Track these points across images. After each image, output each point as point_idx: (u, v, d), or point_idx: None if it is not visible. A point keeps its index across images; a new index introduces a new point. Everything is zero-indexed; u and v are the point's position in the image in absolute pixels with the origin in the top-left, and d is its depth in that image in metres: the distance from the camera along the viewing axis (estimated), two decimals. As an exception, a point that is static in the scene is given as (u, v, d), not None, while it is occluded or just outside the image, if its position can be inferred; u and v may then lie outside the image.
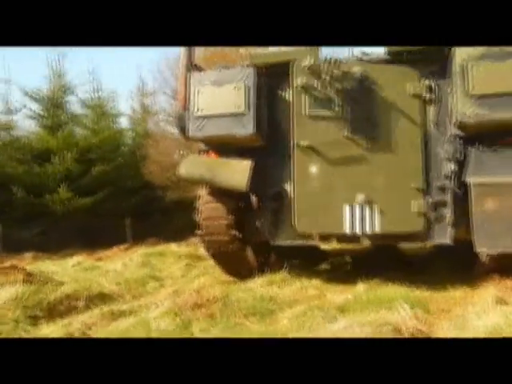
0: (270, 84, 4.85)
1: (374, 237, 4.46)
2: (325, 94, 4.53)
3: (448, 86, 4.38)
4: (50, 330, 3.38)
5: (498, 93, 3.98)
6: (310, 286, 4.58)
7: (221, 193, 4.77)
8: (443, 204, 4.38)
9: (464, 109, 4.07)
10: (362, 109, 4.49)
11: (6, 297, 3.80)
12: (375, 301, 3.74)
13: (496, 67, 3.99)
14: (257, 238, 4.98)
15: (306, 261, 5.79)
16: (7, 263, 5.08)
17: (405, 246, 4.54)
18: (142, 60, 28.01)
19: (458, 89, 4.12)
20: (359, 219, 4.41)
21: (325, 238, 4.61)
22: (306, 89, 4.56)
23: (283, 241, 4.83)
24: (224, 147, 4.83)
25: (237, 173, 4.64)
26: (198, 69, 5.05)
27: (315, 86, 4.54)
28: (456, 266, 5.07)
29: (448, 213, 4.34)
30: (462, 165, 4.27)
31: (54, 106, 12.31)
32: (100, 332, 3.36)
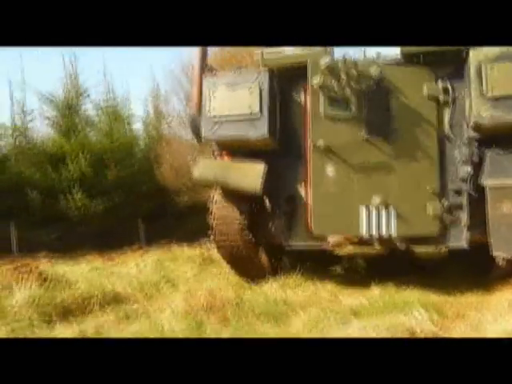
0: (283, 86, 4.85)
1: (389, 241, 4.41)
2: (342, 94, 4.48)
3: (463, 88, 4.34)
4: (64, 329, 3.40)
5: None
6: (324, 290, 4.55)
7: (234, 195, 4.77)
8: (459, 207, 4.33)
9: (480, 111, 4.02)
10: (378, 110, 4.46)
11: (21, 297, 3.85)
12: (390, 304, 3.71)
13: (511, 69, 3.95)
14: (270, 240, 4.97)
15: (320, 264, 5.75)
16: (22, 264, 5.11)
17: (420, 249, 4.46)
18: (156, 63, 28.18)
19: (473, 91, 4.08)
20: (375, 221, 4.38)
21: (339, 244, 4.58)
22: (322, 88, 4.50)
23: (296, 243, 4.82)
24: (237, 149, 4.83)
25: (250, 175, 4.64)
26: (212, 71, 5.06)
27: (332, 85, 4.49)
28: (471, 269, 5.00)
29: (464, 216, 4.30)
30: (478, 167, 4.22)
31: (68, 109, 12.41)
32: (113, 332, 3.37)
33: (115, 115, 13.49)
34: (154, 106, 15.07)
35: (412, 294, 4.02)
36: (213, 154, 5.14)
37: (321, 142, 4.48)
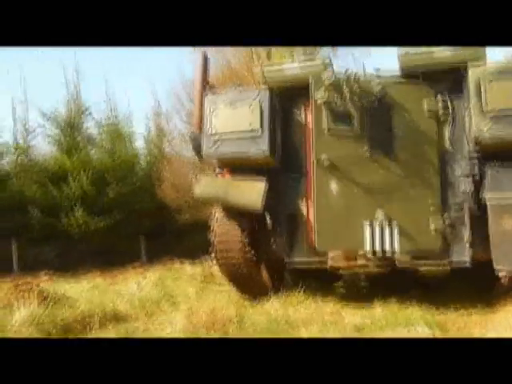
0: (283, 105, 4.88)
1: (391, 257, 4.38)
2: (345, 110, 4.48)
3: (463, 104, 4.37)
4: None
5: None
6: (326, 307, 4.51)
7: (235, 213, 4.76)
8: (461, 222, 4.32)
9: (480, 126, 4.04)
10: (380, 126, 4.47)
11: (22, 315, 3.82)
12: (393, 321, 3.68)
13: (511, 84, 3.98)
14: (271, 257, 4.95)
15: (322, 281, 5.72)
16: (23, 282, 5.09)
17: (422, 265, 4.43)
18: (158, 81, 28.41)
19: (473, 107, 4.10)
20: (379, 237, 4.35)
21: (337, 261, 4.55)
22: (326, 104, 4.49)
23: (298, 260, 4.80)
24: (238, 167, 4.84)
25: (251, 193, 4.64)
26: (213, 90, 5.10)
27: (336, 101, 4.48)
28: (474, 286, 4.97)
29: (466, 231, 4.28)
30: (479, 183, 4.23)
31: (70, 127, 12.49)
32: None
33: (117, 133, 13.56)
34: (156, 123, 15.16)
35: (415, 311, 3.99)
36: (214, 172, 5.15)
37: (324, 158, 4.47)
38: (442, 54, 4.37)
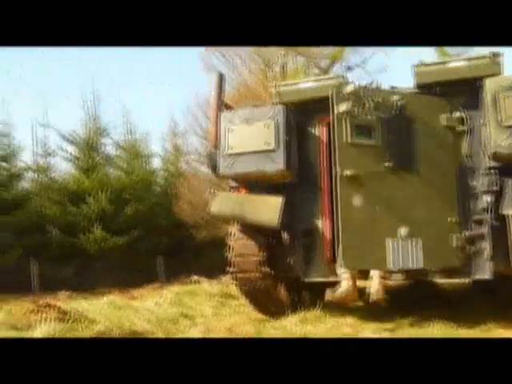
0: (298, 120, 4.90)
1: (412, 272, 4.32)
2: (366, 122, 4.34)
3: (480, 118, 4.33)
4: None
5: None
6: (345, 324, 4.46)
7: (252, 229, 4.76)
8: (481, 237, 4.25)
9: (498, 140, 4.01)
10: (400, 138, 4.38)
11: (41, 334, 3.84)
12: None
13: None
14: (289, 274, 4.92)
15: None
16: (42, 301, 5.13)
17: (443, 281, 4.37)
18: (174, 100, 28.80)
19: (490, 120, 4.07)
20: (402, 254, 4.23)
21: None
22: (348, 116, 4.32)
23: (316, 277, 4.77)
24: (254, 184, 4.85)
25: (268, 209, 4.64)
26: (229, 108, 5.16)
27: (358, 112, 4.32)
28: (497, 302, 4.86)
29: (486, 246, 4.21)
30: (498, 197, 4.17)
31: (89, 148, 12.69)
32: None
33: (135, 153, 13.73)
34: (172, 143, 15.32)
35: (436, 328, 3.91)
36: (230, 189, 5.17)
37: (349, 171, 4.26)
38: (457, 65, 4.37)
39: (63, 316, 4.48)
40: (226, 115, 4.91)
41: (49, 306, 4.84)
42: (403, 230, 4.25)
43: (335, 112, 4.33)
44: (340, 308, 4.84)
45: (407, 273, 4.37)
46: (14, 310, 5.22)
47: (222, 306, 6.23)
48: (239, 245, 4.79)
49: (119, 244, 11.53)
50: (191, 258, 12.10)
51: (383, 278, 4.34)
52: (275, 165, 4.59)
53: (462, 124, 4.43)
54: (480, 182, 4.32)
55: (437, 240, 4.28)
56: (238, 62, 13.59)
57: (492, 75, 4.23)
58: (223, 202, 4.89)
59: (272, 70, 13.38)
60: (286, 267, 4.84)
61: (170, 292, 7.07)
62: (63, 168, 13.13)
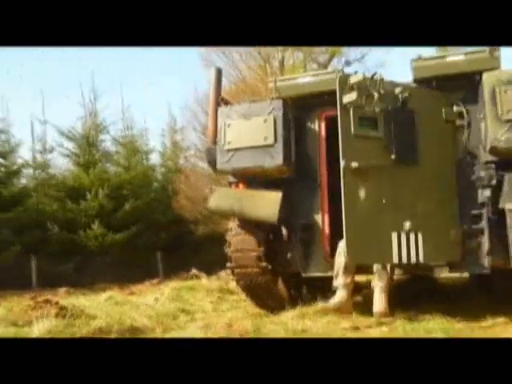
0: (297, 115, 4.89)
1: (412, 266, 4.32)
2: (371, 114, 4.22)
3: (478, 112, 4.33)
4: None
5: None
6: (344, 319, 4.46)
7: (250, 225, 4.76)
8: (480, 232, 4.26)
9: (496, 134, 4.00)
10: (404, 132, 4.31)
11: (40, 330, 3.84)
12: (411, 332, 3.62)
13: None
14: (288, 269, 4.93)
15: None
16: (41, 298, 5.13)
17: (442, 276, 4.37)
18: (173, 97, 28.80)
19: (488, 114, 4.07)
20: (405, 248, 4.18)
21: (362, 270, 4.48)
22: (353, 107, 4.18)
23: (315, 272, 4.78)
24: (253, 179, 4.85)
25: (266, 204, 4.64)
26: (227, 103, 5.15)
27: (363, 103, 4.18)
28: (495, 296, 4.88)
29: (485, 241, 4.22)
30: (497, 191, 4.17)
31: (88, 144, 12.69)
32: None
33: (133, 149, 13.73)
34: (171, 138, 15.31)
35: (434, 322, 3.92)
36: (229, 184, 5.17)
37: (354, 163, 4.11)
38: (455, 60, 4.36)
39: (62, 312, 4.49)
40: (223, 110, 4.90)
41: (48, 302, 4.84)
42: (407, 224, 4.19)
43: (340, 102, 4.17)
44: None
45: (406, 267, 4.37)
46: (13, 306, 5.24)
47: (221, 302, 6.25)
48: (237, 240, 4.79)
49: (118, 240, 11.56)
50: (190, 254, 12.13)
51: (386, 287, 4.28)
52: (274, 160, 4.58)
53: (461, 118, 4.43)
54: (479, 177, 4.32)
55: (438, 234, 4.27)
56: (237, 58, 13.58)
57: (490, 69, 4.22)
58: (221, 198, 4.89)
59: (271, 66, 13.36)
60: (285, 262, 4.85)
61: (169, 288, 7.08)
62: (62, 164, 13.15)
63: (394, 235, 4.16)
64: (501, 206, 4.05)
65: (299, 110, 4.89)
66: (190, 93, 18.99)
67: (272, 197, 4.66)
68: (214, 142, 4.94)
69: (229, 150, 4.74)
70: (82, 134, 12.75)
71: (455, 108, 4.44)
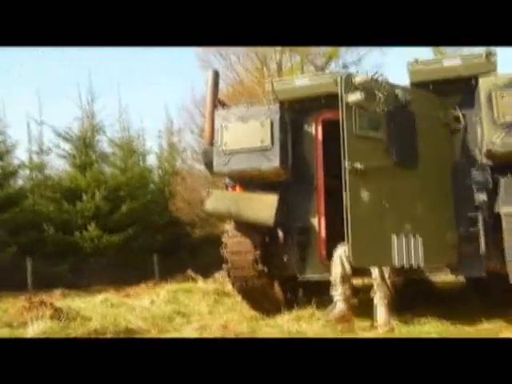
0: (294, 119, 4.89)
1: (408, 269, 4.31)
2: (374, 115, 4.15)
3: (474, 116, 4.34)
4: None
5: None
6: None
7: (247, 227, 4.76)
8: (475, 235, 4.26)
9: (492, 138, 4.02)
10: (404, 133, 4.28)
11: (35, 332, 3.83)
12: (406, 334, 3.62)
13: None
14: (284, 272, 4.93)
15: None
16: (36, 299, 5.12)
17: (438, 279, 4.38)
18: (170, 99, 28.81)
19: (484, 118, 4.08)
20: (406, 251, 4.13)
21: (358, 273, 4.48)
22: (357, 107, 4.10)
23: (311, 275, 4.77)
24: (249, 182, 4.85)
25: (263, 207, 4.64)
26: (224, 105, 5.15)
27: (367, 104, 4.10)
28: (491, 300, 4.89)
29: (480, 244, 4.22)
30: (492, 195, 4.18)
31: (84, 145, 12.67)
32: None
33: (130, 151, 13.71)
34: (168, 140, 15.30)
35: (430, 325, 3.93)
36: (226, 187, 5.16)
37: (358, 165, 4.04)
38: (452, 64, 4.37)
39: (57, 314, 4.48)
40: (221, 113, 4.91)
41: (43, 303, 4.83)
42: (407, 226, 4.16)
43: (344, 101, 4.08)
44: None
45: (400, 270, 4.36)
46: (8, 307, 5.22)
47: (217, 304, 6.24)
48: (234, 242, 4.79)
49: (114, 242, 11.53)
50: (186, 256, 12.11)
51: (386, 297, 4.23)
52: (270, 163, 4.59)
53: (458, 122, 4.44)
54: (475, 180, 4.33)
55: (435, 237, 4.26)
56: (235, 60, 13.59)
57: (486, 74, 4.24)
58: (218, 200, 4.88)
59: (268, 68, 13.37)
60: (281, 265, 4.85)
61: (165, 290, 7.07)
62: (58, 165, 13.12)
63: (394, 238, 4.12)
64: (496, 209, 4.06)
65: (296, 113, 4.90)
66: (187, 94, 19.01)
67: (268, 199, 4.66)
68: (211, 144, 4.94)
69: (226, 153, 4.74)
70: (79, 135, 12.72)
71: (452, 112, 4.45)
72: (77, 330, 4.12)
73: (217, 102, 5.11)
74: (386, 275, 4.27)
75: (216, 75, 5.28)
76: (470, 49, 5.39)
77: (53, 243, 11.29)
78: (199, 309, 5.96)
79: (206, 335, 3.89)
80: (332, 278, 4.47)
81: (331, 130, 5.01)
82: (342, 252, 4.44)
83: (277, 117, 4.65)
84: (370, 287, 4.53)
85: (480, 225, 4.23)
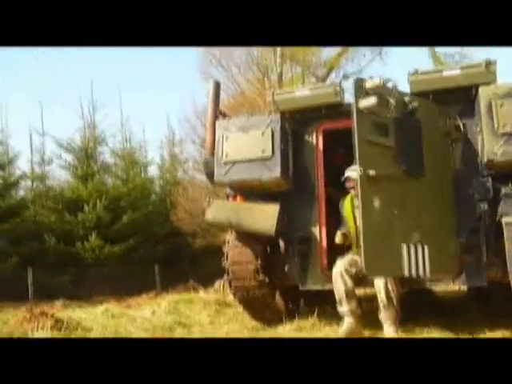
0: (295, 129, 4.92)
1: (409, 279, 4.28)
2: (384, 121, 4.09)
3: (475, 126, 4.36)
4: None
5: None
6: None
7: (248, 237, 4.76)
8: (477, 245, 4.25)
9: (492, 147, 4.02)
10: (411, 141, 4.24)
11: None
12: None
13: None
14: (285, 282, 4.92)
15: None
16: (37, 310, 5.11)
17: (439, 289, 4.36)
18: (171, 110, 28.92)
19: (485, 127, 4.08)
20: (414, 261, 4.05)
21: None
22: (369, 112, 4.01)
23: (312, 285, 4.76)
24: (250, 191, 4.86)
25: (264, 217, 4.64)
26: (225, 116, 5.17)
27: (378, 110, 4.03)
28: (493, 310, 4.86)
29: (482, 254, 4.21)
30: (493, 204, 4.18)
31: (86, 156, 12.71)
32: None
33: (132, 162, 13.75)
34: (170, 151, 15.34)
35: (431, 335, 3.91)
36: (227, 197, 5.17)
37: (371, 172, 3.93)
38: (452, 74, 4.39)
39: (58, 324, 4.47)
40: (221, 123, 4.93)
41: (44, 314, 4.82)
42: (416, 236, 4.09)
43: (356, 106, 3.98)
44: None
45: (404, 281, 4.34)
46: (9, 318, 5.21)
47: (218, 315, 6.22)
48: (235, 252, 4.79)
49: (116, 252, 11.53)
50: (188, 267, 12.09)
51: (393, 310, 4.17)
52: (271, 173, 4.60)
53: (458, 131, 4.45)
54: (476, 190, 4.32)
55: (440, 247, 4.23)
56: (236, 71, 13.66)
57: (486, 83, 4.26)
58: (219, 210, 4.89)
59: (269, 79, 13.44)
60: (282, 275, 4.84)
61: (167, 300, 7.05)
62: (60, 176, 13.16)
63: (404, 247, 4.04)
64: (498, 219, 4.06)
65: (297, 123, 4.92)
66: (188, 105, 19.12)
67: (269, 209, 4.66)
68: (212, 155, 4.96)
69: (226, 163, 4.75)
70: (81, 146, 12.77)
71: (452, 121, 4.46)
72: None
73: (218, 113, 5.13)
74: (390, 287, 4.16)
75: (217, 86, 5.31)
76: (470, 60, 5.41)
77: (54, 254, 11.29)
78: (200, 319, 5.94)
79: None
80: (336, 296, 4.37)
81: (332, 140, 5.04)
82: (341, 267, 4.35)
83: (277, 127, 4.67)
84: (372, 296, 4.52)
85: (482, 234, 4.23)
